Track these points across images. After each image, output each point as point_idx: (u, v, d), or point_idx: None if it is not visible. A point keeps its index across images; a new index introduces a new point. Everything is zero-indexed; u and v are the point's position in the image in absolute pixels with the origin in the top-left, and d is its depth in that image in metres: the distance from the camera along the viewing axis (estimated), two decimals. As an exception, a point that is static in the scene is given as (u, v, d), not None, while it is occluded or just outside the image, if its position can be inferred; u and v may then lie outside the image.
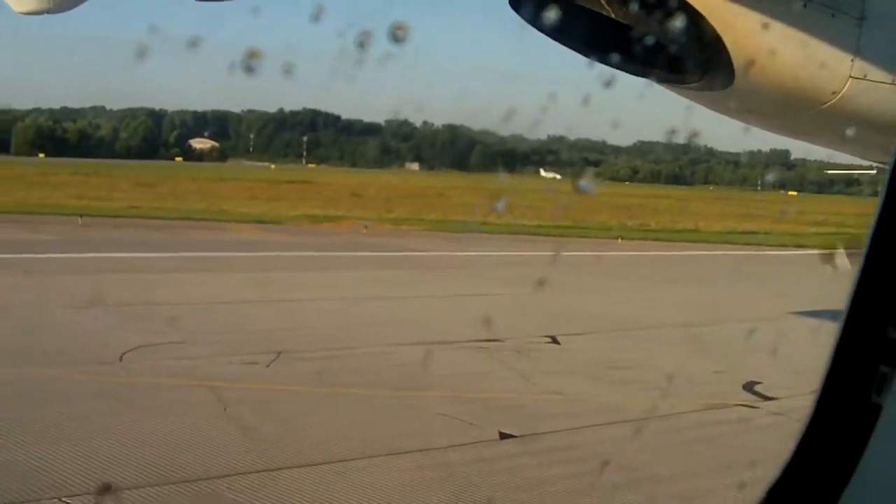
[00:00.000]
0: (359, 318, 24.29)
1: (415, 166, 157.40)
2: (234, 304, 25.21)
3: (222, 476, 11.97)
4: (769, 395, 18.44)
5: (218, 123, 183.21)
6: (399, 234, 51.92)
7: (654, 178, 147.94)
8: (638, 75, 7.19)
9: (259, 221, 54.60)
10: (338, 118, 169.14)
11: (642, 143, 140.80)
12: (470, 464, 13.27)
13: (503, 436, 14.61)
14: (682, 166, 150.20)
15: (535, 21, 6.80)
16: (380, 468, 12.93)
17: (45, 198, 62.75)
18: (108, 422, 14.13)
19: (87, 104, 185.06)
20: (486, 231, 54.01)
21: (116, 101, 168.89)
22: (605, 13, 6.75)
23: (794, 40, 6.98)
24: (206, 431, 13.94)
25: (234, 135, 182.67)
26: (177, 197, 72.29)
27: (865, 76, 7.35)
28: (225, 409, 15.15)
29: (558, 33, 6.88)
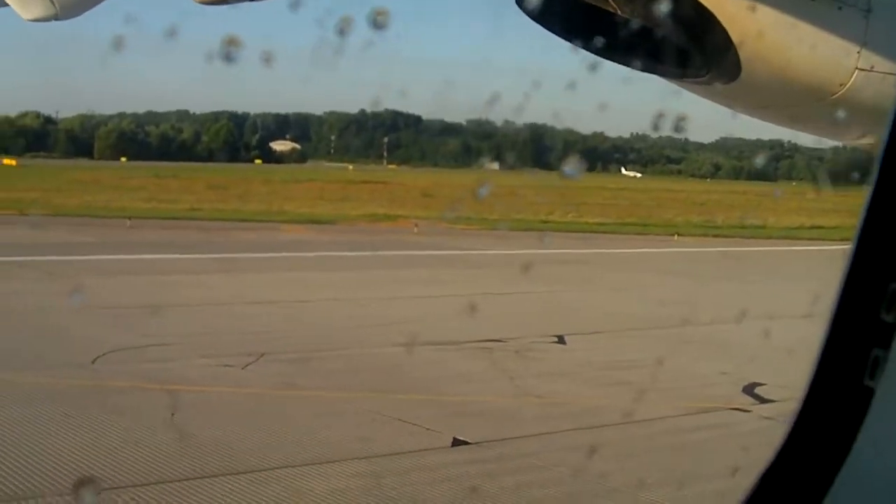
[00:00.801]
0: (361, 318, 23.81)
1: (495, 166, 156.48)
2: (237, 305, 24.85)
3: (122, 487, 11.34)
4: (768, 397, 17.54)
5: (299, 126, 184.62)
6: (450, 233, 51.29)
7: (736, 174, 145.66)
8: (644, 71, 7.03)
9: (314, 222, 54.41)
10: (419, 119, 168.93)
11: (725, 139, 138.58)
12: (406, 472, 12.58)
13: (456, 442, 13.88)
14: (765, 162, 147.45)
15: (540, 17, 6.77)
16: (309, 475, 12.27)
17: (111, 201, 63.26)
18: (32, 429, 13.61)
19: (171, 108, 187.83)
20: (544, 229, 53.13)
21: (200, 105, 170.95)
22: (610, 10, 6.59)
23: (801, 33, 6.81)
24: (135, 438, 13.35)
25: (316, 136, 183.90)
26: (243, 199, 72.40)
27: (872, 68, 7.14)
28: (172, 414, 14.53)
29: (564, 30, 6.83)
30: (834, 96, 7.12)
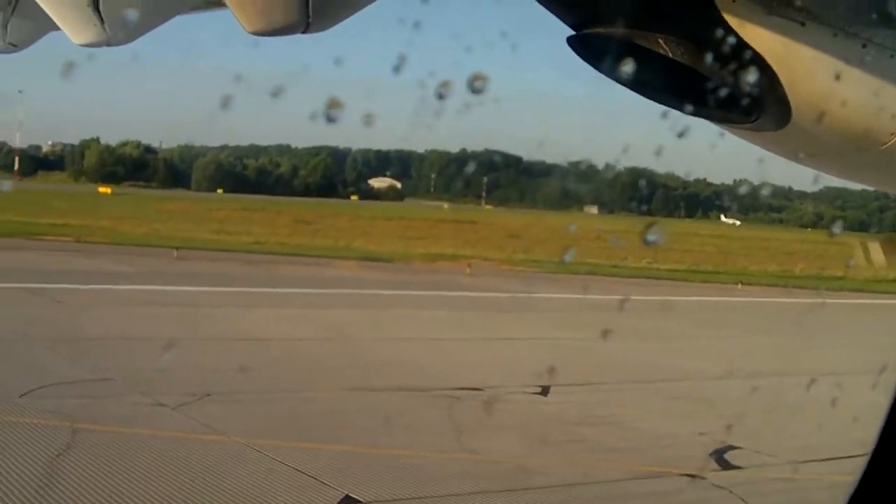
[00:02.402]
0: (347, 359, 22.91)
1: (594, 209, 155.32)
2: (222, 341, 23.96)
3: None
4: (735, 463, 16.01)
5: (401, 163, 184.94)
6: (504, 275, 50.19)
7: (839, 224, 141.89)
8: (692, 114, 6.28)
9: (370, 259, 53.57)
10: (519, 160, 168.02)
11: (829, 188, 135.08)
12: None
13: (345, 501, 12.66)
14: (869, 213, 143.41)
15: (590, 57, 6.10)
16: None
17: (179, 231, 63.39)
18: None
19: (273, 142, 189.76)
20: (610, 275, 51.70)
21: (302, 140, 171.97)
22: (661, 52, 6.09)
23: (852, 80, 6.26)
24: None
25: (416, 174, 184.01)
26: (319, 234, 72.14)
27: None
28: (58, 455, 13.61)
29: (616, 72, 6.07)
30: (885, 146, 6.42)
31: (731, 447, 16.94)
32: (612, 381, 22.42)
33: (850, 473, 11.84)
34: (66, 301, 28.95)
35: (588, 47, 6.78)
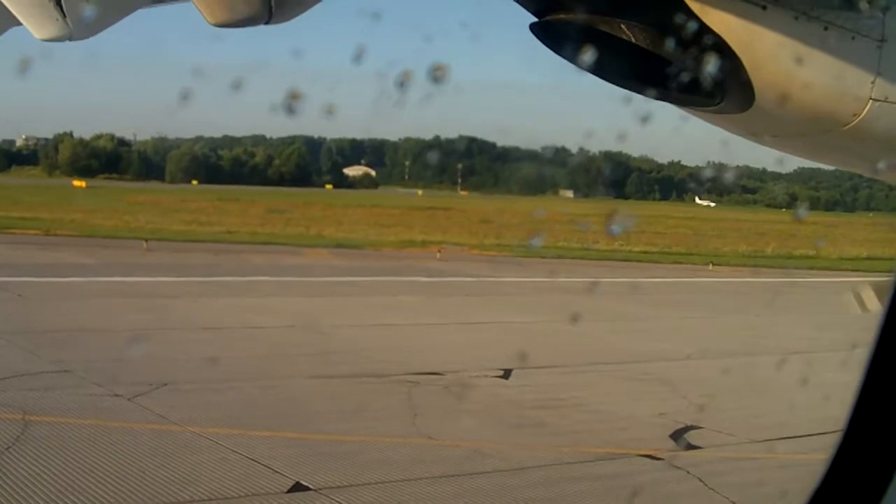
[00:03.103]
0: (308, 346, 22.79)
1: (569, 193, 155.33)
2: (182, 331, 23.80)
3: None
4: (695, 443, 16.01)
5: (375, 151, 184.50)
6: (473, 260, 50.10)
7: (812, 204, 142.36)
8: (656, 98, 6.97)
9: (341, 246, 53.40)
10: (493, 145, 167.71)
11: (803, 169, 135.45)
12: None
13: (295, 488, 12.56)
14: (842, 192, 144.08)
15: (553, 43, 6.76)
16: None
17: (149, 222, 63.05)
18: None
19: (248, 133, 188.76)
20: (581, 258, 51.65)
21: (277, 130, 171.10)
22: (623, 37, 6.65)
23: (814, 62, 6.85)
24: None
25: (391, 162, 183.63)
26: (291, 223, 71.90)
27: (886, 98, 7.12)
28: (7, 448, 13.49)
29: (577, 57, 6.69)
30: (847, 126, 7.08)
31: (692, 427, 16.96)
32: (575, 363, 22.34)
33: (809, 451, 11.82)
34: (27, 294, 28.71)
35: (551, 34, 6.74)
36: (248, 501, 12.15)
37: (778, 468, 15.05)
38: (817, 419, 16.60)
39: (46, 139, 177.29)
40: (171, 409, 16.30)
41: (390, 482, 13.22)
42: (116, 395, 16.98)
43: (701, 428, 16.93)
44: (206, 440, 14.63)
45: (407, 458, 14.41)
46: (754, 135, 7.81)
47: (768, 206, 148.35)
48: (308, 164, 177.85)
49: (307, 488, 12.65)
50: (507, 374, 20.69)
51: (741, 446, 15.97)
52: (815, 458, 13.90)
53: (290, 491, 12.56)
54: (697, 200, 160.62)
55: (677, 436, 16.48)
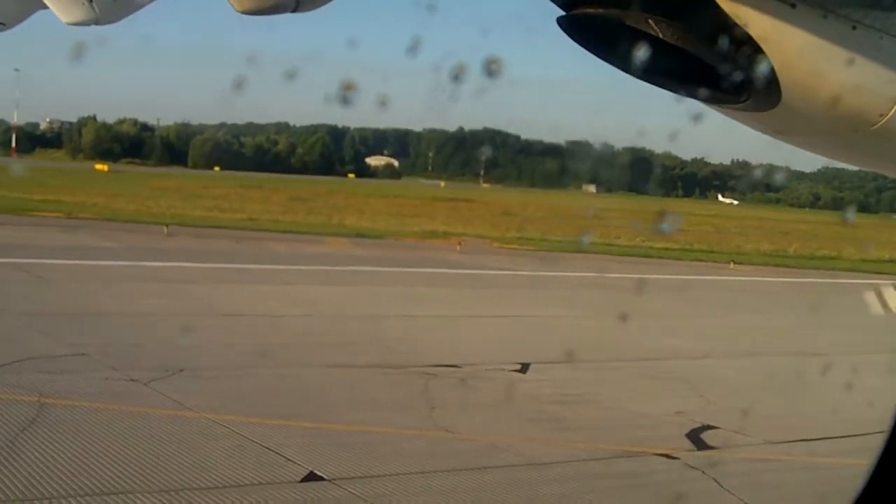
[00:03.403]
0: (326, 335, 22.70)
1: (592, 188, 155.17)
2: (199, 317, 23.80)
3: None
4: (711, 443, 15.87)
5: (399, 141, 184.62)
6: (494, 253, 50.02)
7: (836, 205, 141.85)
8: (683, 94, 6.73)
9: (362, 236, 53.36)
10: (517, 138, 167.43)
11: (827, 169, 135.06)
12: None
13: (309, 477, 12.54)
14: (867, 193, 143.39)
15: (580, 37, 6.55)
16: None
17: (171, 208, 63.12)
18: None
19: (271, 120, 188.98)
20: (603, 252, 51.51)
21: (301, 118, 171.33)
22: (651, 32, 6.35)
23: (842, 61, 6.54)
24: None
25: (414, 153, 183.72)
26: (313, 211, 71.87)
27: None
28: (22, 429, 13.52)
29: (603, 51, 6.56)
30: (873, 127, 6.69)
31: (708, 427, 16.85)
32: (593, 359, 22.22)
33: (826, 455, 11.73)
34: (48, 276, 28.75)
35: (578, 28, 6.64)
36: (261, 489, 12.12)
37: (794, 471, 14.98)
38: (836, 421, 16.55)
39: (70, 122, 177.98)
40: (187, 395, 16.28)
41: (405, 474, 13.19)
42: (133, 380, 16.96)
43: (718, 428, 16.82)
44: (221, 427, 14.60)
45: (422, 451, 14.37)
46: (780, 133, 7.50)
47: (791, 205, 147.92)
48: (331, 153, 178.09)
49: (321, 478, 12.61)
50: (524, 368, 20.64)
51: (758, 447, 15.86)
52: (834, 461, 13.80)
53: (303, 480, 12.53)
54: (720, 198, 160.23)
55: (694, 435, 16.38)
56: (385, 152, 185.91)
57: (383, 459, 13.72)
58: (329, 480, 12.57)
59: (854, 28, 6.51)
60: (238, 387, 17.39)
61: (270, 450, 13.59)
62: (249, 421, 14.95)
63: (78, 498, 11.16)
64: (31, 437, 13.21)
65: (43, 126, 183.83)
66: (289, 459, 13.25)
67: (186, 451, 13.38)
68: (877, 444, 4.23)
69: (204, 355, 19.37)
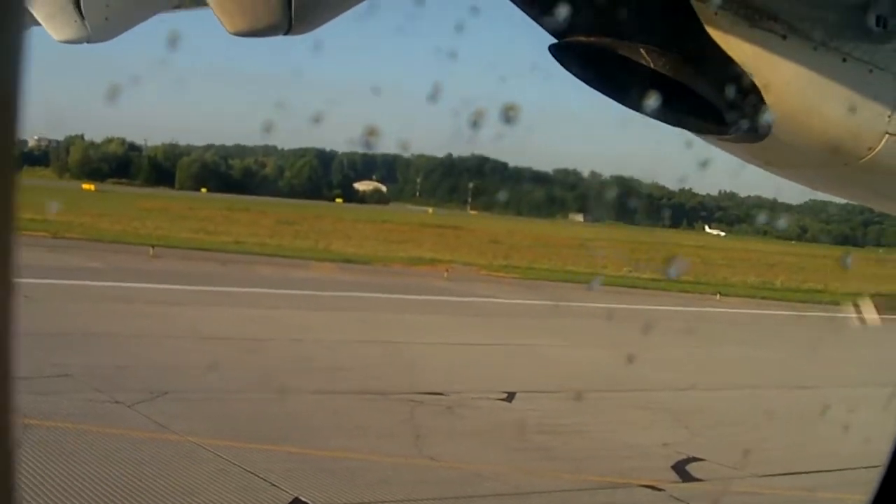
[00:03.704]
0: (310, 361, 22.54)
1: (579, 217, 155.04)
2: (187, 339, 23.67)
3: None
4: (697, 475, 15.87)
5: (387, 167, 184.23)
6: (482, 280, 50.01)
7: (823, 237, 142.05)
8: (672, 124, 7.04)
9: (349, 261, 53.33)
10: (505, 166, 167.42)
11: (814, 202, 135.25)
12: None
13: (296, 503, 12.45)
14: (853, 227, 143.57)
15: (570, 65, 6.77)
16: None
17: (157, 229, 63.03)
18: None
19: (259, 143, 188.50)
20: (586, 282, 51.59)
21: (288, 142, 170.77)
22: (642, 62, 6.55)
23: (832, 94, 6.76)
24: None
25: (402, 179, 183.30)
26: (300, 235, 71.80)
27: None
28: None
29: (594, 79, 6.83)
30: (862, 160, 6.96)
31: (694, 459, 16.84)
32: (579, 388, 22.13)
33: (812, 489, 11.68)
34: (32, 296, 28.47)
35: (569, 55, 6.67)
36: (244, 515, 12.02)
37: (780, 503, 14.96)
38: (822, 455, 16.54)
39: (58, 141, 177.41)
40: (172, 418, 16.20)
41: (390, 502, 13.15)
42: (117, 402, 16.89)
43: (703, 460, 16.79)
44: (205, 451, 14.53)
45: (407, 479, 14.32)
46: (769, 164, 7.73)
47: (778, 237, 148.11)
48: (319, 177, 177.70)
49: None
50: (510, 396, 20.59)
51: (744, 480, 15.83)
52: (821, 496, 13.72)
53: (288, 508, 12.44)
54: (707, 229, 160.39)
55: (679, 467, 16.35)
56: (374, 177, 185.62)
57: (368, 486, 13.66)
58: (313, 508, 12.49)
59: (844, 60, 6.71)
60: (223, 411, 17.29)
61: (255, 474, 13.54)
62: (234, 445, 14.87)
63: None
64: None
65: (31, 144, 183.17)
66: (273, 485, 13.19)
67: (169, 475, 13.31)
68: (867, 478, 4.21)
69: (189, 378, 19.31)
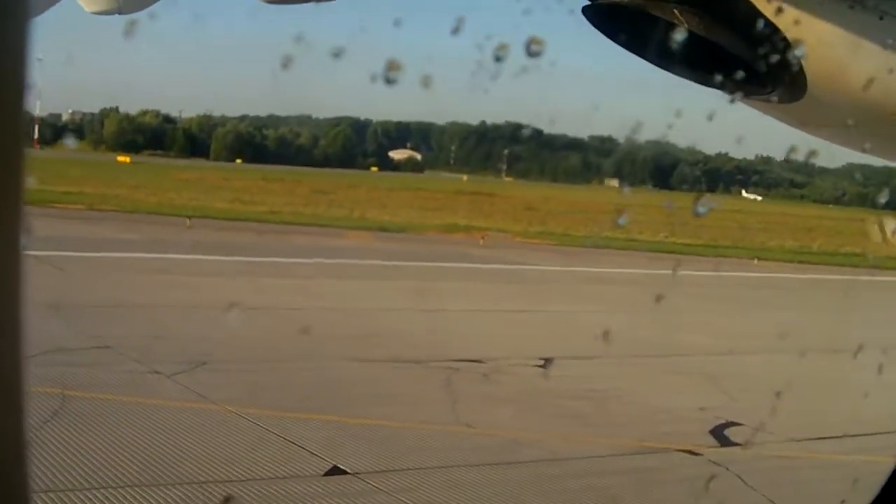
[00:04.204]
0: (347, 329, 22.58)
1: (614, 183, 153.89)
2: (220, 309, 23.66)
3: None
4: (735, 440, 15.83)
5: (421, 135, 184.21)
6: (518, 247, 49.93)
7: (861, 201, 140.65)
8: (709, 86, 6.81)
9: (384, 229, 53.36)
10: (540, 132, 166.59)
11: (852, 165, 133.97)
12: (248, 502, 11.22)
13: (333, 471, 12.53)
14: (892, 189, 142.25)
15: (603, 25, 6.66)
16: (147, 500, 10.99)
17: (192, 199, 63.25)
18: None
19: (293, 112, 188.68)
20: (625, 248, 51.38)
21: (323, 111, 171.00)
22: (677, 23, 6.47)
23: (867, 51, 6.62)
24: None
25: (437, 146, 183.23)
26: (335, 204, 71.86)
27: None
28: (45, 422, 13.48)
29: (627, 39, 6.67)
30: None
31: (732, 423, 16.79)
32: (615, 354, 22.12)
33: (849, 452, 11.60)
34: (68, 268, 28.72)
35: (603, 17, 6.62)
36: (284, 483, 12.09)
37: (817, 468, 14.88)
38: (860, 419, 16.43)
39: (93, 114, 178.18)
40: (210, 387, 16.29)
41: (427, 468, 13.17)
42: (156, 373, 17.00)
43: (741, 425, 16.74)
44: (243, 420, 14.60)
45: (444, 446, 14.35)
46: (806, 125, 7.65)
47: (816, 201, 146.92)
48: (353, 146, 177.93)
49: (344, 472, 12.61)
50: (547, 363, 20.56)
51: (782, 444, 15.76)
52: (858, 459, 13.67)
53: (326, 474, 12.52)
54: (744, 193, 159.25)
55: (717, 432, 16.32)
56: (408, 145, 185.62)
57: (406, 454, 13.69)
58: (352, 474, 12.56)
59: (881, 18, 6.60)
60: (260, 380, 17.37)
61: (293, 443, 13.60)
62: (272, 414, 14.94)
63: (101, 490, 11.14)
64: (53, 428, 13.19)
65: (65, 117, 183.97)
66: (312, 453, 13.25)
67: (208, 444, 13.39)
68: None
69: (226, 348, 19.33)
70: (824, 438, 16.31)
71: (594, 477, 13.53)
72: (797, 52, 6.52)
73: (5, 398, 0.91)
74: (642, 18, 6.64)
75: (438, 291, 30.45)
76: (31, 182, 0.94)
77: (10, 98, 0.89)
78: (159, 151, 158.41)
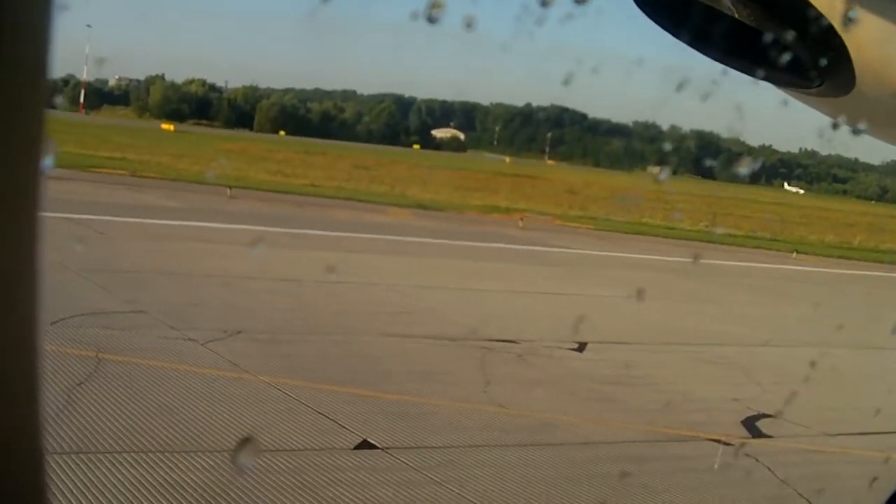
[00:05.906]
0: (383, 305, 22.52)
1: (657, 170, 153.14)
2: (259, 280, 23.74)
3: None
4: (767, 432, 15.70)
5: (465, 114, 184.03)
6: (556, 230, 49.80)
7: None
8: (757, 77, 5.89)
9: (424, 207, 53.39)
10: (584, 116, 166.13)
11: (894, 162, 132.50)
12: (276, 472, 11.24)
13: (362, 445, 12.53)
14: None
15: (653, 12, 5.68)
16: (146, 464, 11.03)
17: (236, 170, 63.49)
18: None
19: (338, 87, 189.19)
20: (664, 235, 51.22)
21: (368, 87, 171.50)
22: (727, 12, 5.38)
23: None
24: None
25: (480, 127, 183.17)
26: (375, 180, 71.96)
27: None
28: (79, 383, 13.57)
29: (676, 27, 5.64)
30: None
31: (764, 415, 16.67)
32: (650, 341, 22.07)
33: (880, 449, 11.49)
34: (108, 233, 28.89)
35: (652, 4, 6.52)
36: (314, 455, 12.09)
37: (847, 463, 14.76)
38: (894, 417, 16.27)
39: (139, 80, 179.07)
40: (244, 357, 16.30)
41: (457, 447, 13.13)
42: (190, 339, 17.03)
43: (773, 417, 16.61)
44: (276, 390, 14.61)
45: (475, 425, 14.31)
46: (853, 121, 7.54)
47: (858, 197, 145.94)
48: (397, 123, 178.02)
49: (374, 446, 12.60)
50: (582, 347, 20.48)
51: (814, 438, 15.65)
52: (890, 456, 13.50)
53: (356, 448, 12.51)
54: (786, 186, 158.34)
55: (749, 423, 16.22)
56: (451, 125, 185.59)
57: (436, 431, 13.68)
58: (382, 449, 12.55)
59: None
60: (295, 351, 17.38)
61: (324, 416, 13.60)
62: (304, 386, 14.96)
63: (132, 454, 11.18)
64: (87, 391, 13.26)
65: (112, 83, 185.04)
66: (342, 426, 13.25)
67: (240, 412, 13.43)
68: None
69: (262, 318, 19.42)
70: (858, 434, 16.18)
71: (625, 462, 13.45)
72: (847, 45, 6.42)
73: (21, 368, 0.87)
74: (693, 7, 6.57)
75: (474, 271, 30.45)
76: (51, 156, 0.89)
77: (31, 76, 0.85)
78: (204, 121, 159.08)
